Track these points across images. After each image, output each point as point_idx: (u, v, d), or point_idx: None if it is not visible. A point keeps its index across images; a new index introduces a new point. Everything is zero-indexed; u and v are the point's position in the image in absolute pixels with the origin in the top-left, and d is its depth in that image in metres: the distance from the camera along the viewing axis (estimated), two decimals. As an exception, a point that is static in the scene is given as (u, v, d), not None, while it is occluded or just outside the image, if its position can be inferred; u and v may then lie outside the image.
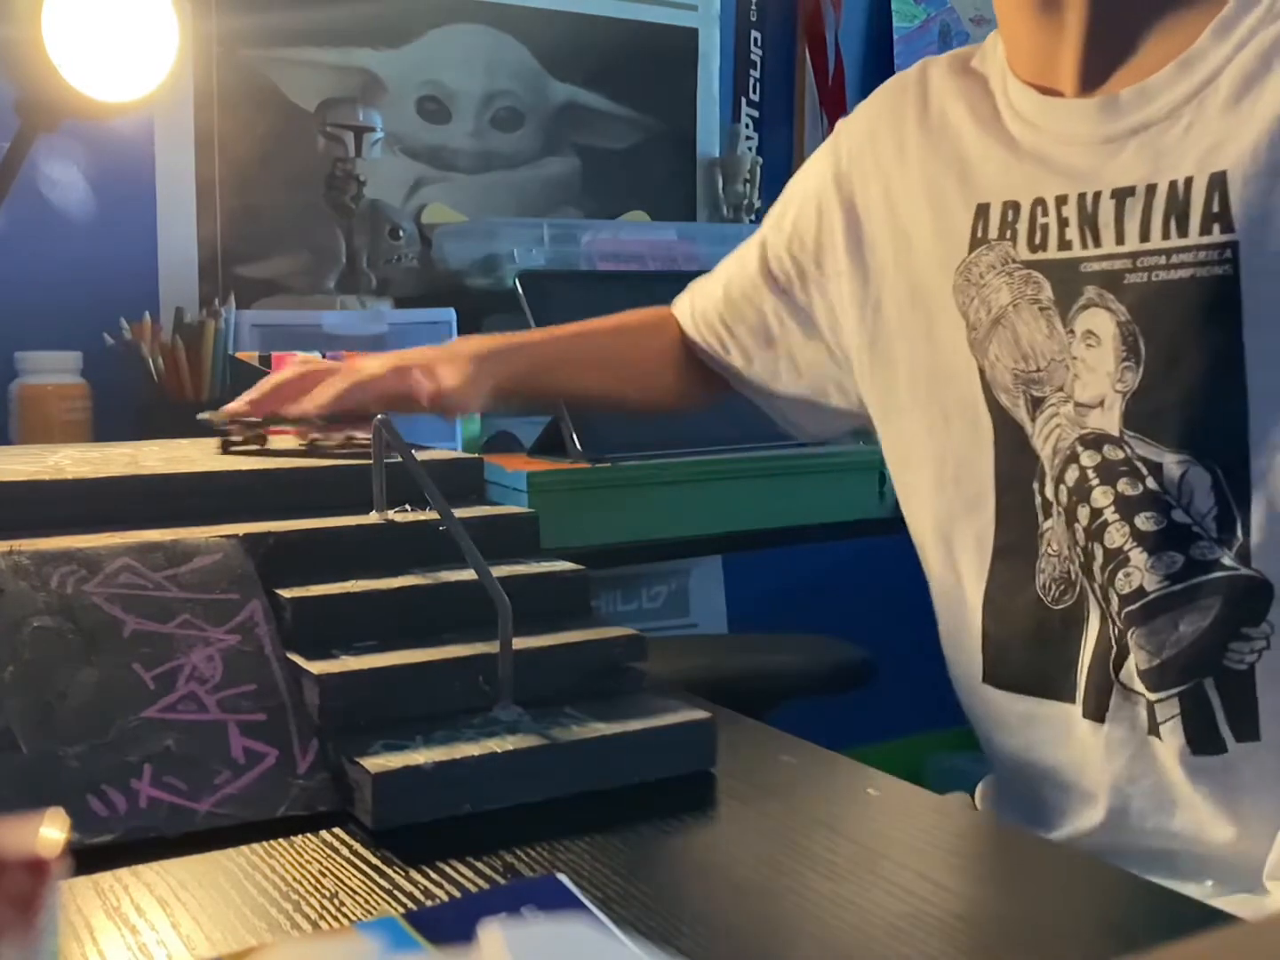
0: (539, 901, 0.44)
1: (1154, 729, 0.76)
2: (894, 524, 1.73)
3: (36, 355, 1.57)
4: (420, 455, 0.70)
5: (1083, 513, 0.78)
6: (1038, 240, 0.80)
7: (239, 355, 1.54)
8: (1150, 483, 0.75)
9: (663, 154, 2.28)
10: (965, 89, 0.88)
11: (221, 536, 0.63)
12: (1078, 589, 0.80)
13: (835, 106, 2.43)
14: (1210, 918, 0.47)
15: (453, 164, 2.09)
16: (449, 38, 2.07)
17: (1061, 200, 0.79)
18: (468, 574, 0.64)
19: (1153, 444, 0.75)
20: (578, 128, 2.19)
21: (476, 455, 0.82)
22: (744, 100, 2.39)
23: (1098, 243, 0.77)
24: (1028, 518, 0.82)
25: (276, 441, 0.83)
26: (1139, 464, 0.76)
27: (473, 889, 0.48)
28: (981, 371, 0.83)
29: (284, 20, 1.93)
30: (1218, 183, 0.72)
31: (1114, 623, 0.78)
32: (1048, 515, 0.81)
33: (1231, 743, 0.74)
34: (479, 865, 0.50)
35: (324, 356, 1.53)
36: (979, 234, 0.83)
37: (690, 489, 1.53)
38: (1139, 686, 0.77)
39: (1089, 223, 0.78)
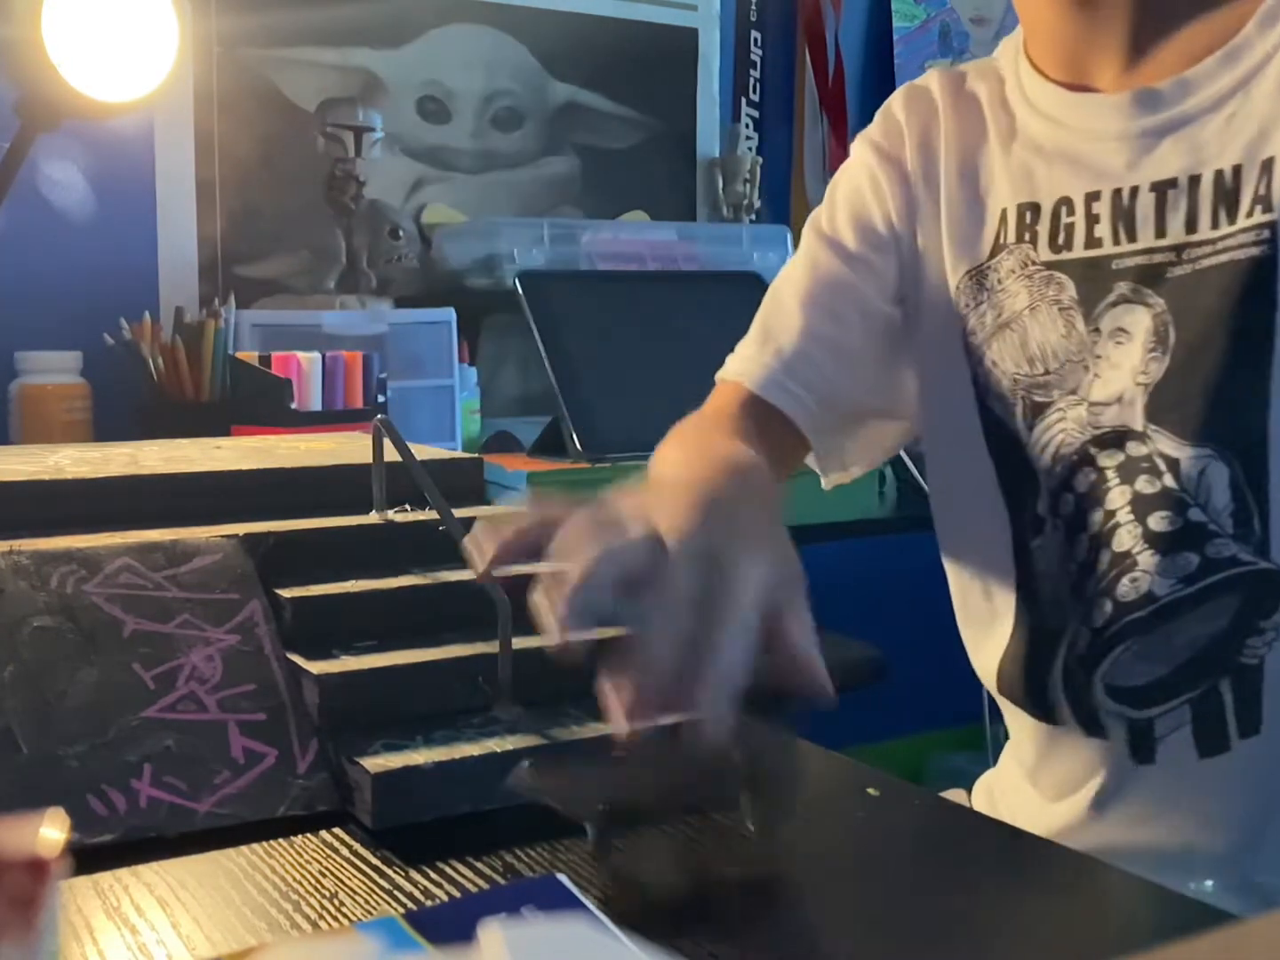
0: (539, 901, 0.44)
1: (1149, 742, 0.75)
2: (894, 524, 1.74)
3: (36, 355, 1.58)
4: (420, 455, 0.70)
5: (1094, 518, 0.76)
6: (1061, 240, 0.79)
7: (239, 355, 1.54)
8: (1168, 479, 0.73)
9: (663, 154, 2.28)
10: (987, 94, 0.86)
11: (221, 536, 0.63)
12: (1063, 609, 0.78)
13: (835, 106, 2.43)
14: (1210, 918, 0.47)
15: (453, 164, 2.09)
16: (449, 38, 2.07)
17: (1093, 197, 0.78)
18: (467, 574, 0.64)
19: (1174, 437, 0.73)
20: (578, 128, 2.19)
21: (476, 455, 0.81)
22: (744, 100, 2.39)
23: (1132, 238, 0.76)
24: (1019, 534, 0.80)
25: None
26: (1159, 460, 0.74)
27: (473, 889, 0.48)
28: (975, 380, 0.82)
29: (284, 20, 1.93)
30: (1267, 168, 0.71)
31: (1097, 638, 0.76)
32: (1037, 533, 0.79)
33: (1235, 740, 0.73)
34: (479, 865, 0.50)
35: (324, 357, 1.53)
36: (1000, 239, 0.82)
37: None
38: (1129, 704, 0.75)
39: (1124, 219, 0.76)
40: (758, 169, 2.30)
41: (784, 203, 2.44)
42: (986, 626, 0.85)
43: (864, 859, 0.54)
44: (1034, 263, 0.80)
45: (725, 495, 0.58)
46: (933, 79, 0.90)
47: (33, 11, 0.93)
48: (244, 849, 0.52)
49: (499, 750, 0.56)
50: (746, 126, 2.39)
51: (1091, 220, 0.78)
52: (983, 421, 0.82)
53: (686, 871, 0.52)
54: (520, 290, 1.63)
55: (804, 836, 0.54)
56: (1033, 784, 0.85)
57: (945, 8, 2.57)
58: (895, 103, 0.91)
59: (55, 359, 1.58)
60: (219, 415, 1.50)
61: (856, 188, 0.90)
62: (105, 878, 0.49)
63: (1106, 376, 0.76)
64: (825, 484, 0.93)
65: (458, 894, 0.48)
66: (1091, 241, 0.78)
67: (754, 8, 2.38)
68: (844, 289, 0.87)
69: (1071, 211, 0.79)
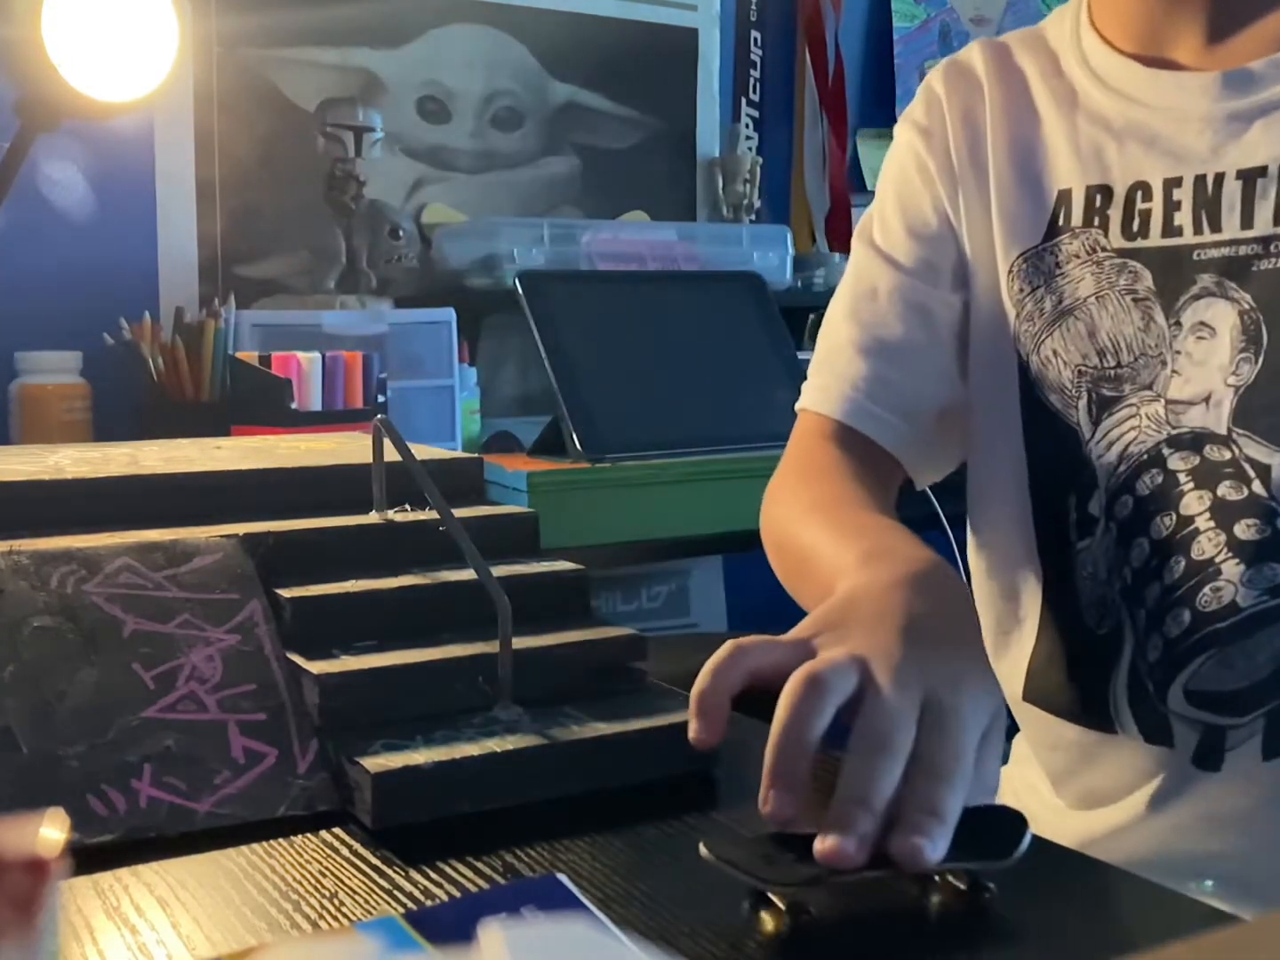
0: (539, 901, 0.44)
1: (1218, 751, 0.72)
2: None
3: (36, 355, 1.58)
4: (420, 455, 0.70)
5: (1161, 524, 0.72)
6: (1135, 227, 0.74)
7: (239, 355, 1.54)
8: (1257, 486, 0.70)
9: (663, 154, 2.28)
10: (1037, 67, 0.82)
11: (221, 536, 0.63)
12: (1116, 615, 0.75)
13: (835, 106, 2.43)
14: (1210, 918, 0.47)
15: (453, 164, 2.09)
16: (449, 38, 2.07)
17: (1173, 183, 0.73)
18: (468, 574, 0.64)
19: (1264, 443, 0.70)
20: (578, 128, 2.19)
21: (476, 455, 0.81)
22: (744, 100, 2.39)
23: (1216, 228, 0.72)
24: (1062, 537, 0.77)
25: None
26: (1246, 465, 0.70)
27: (473, 889, 0.48)
28: (1024, 371, 0.78)
29: (284, 20, 1.93)
30: None
31: (1174, 647, 0.72)
32: (1086, 533, 0.75)
33: None
34: (479, 865, 0.50)
35: (324, 357, 1.53)
36: (1060, 221, 0.77)
37: (690, 489, 1.53)
38: (1210, 710, 0.72)
39: (1206, 207, 0.72)
40: (758, 169, 2.30)
41: (784, 203, 2.44)
42: (1006, 631, 0.82)
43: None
44: (1104, 249, 0.76)
45: (925, 616, 0.55)
46: (975, 52, 0.85)
47: (33, 11, 0.93)
48: (244, 849, 0.51)
49: (499, 750, 0.56)
50: (746, 126, 2.39)
51: (1171, 207, 0.73)
52: (1024, 413, 0.79)
53: (686, 871, 0.52)
54: (520, 290, 1.63)
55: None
56: (1056, 792, 0.82)
57: (945, 8, 2.57)
58: (935, 79, 0.86)
59: (55, 359, 1.58)
60: (219, 415, 1.50)
61: (905, 178, 0.86)
62: (105, 878, 0.49)
63: (1188, 374, 0.72)
64: (918, 485, 0.88)
65: (458, 894, 0.48)
66: (1170, 230, 0.73)
67: (754, 8, 2.38)
68: (903, 296, 0.84)
69: (1149, 197, 0.74)
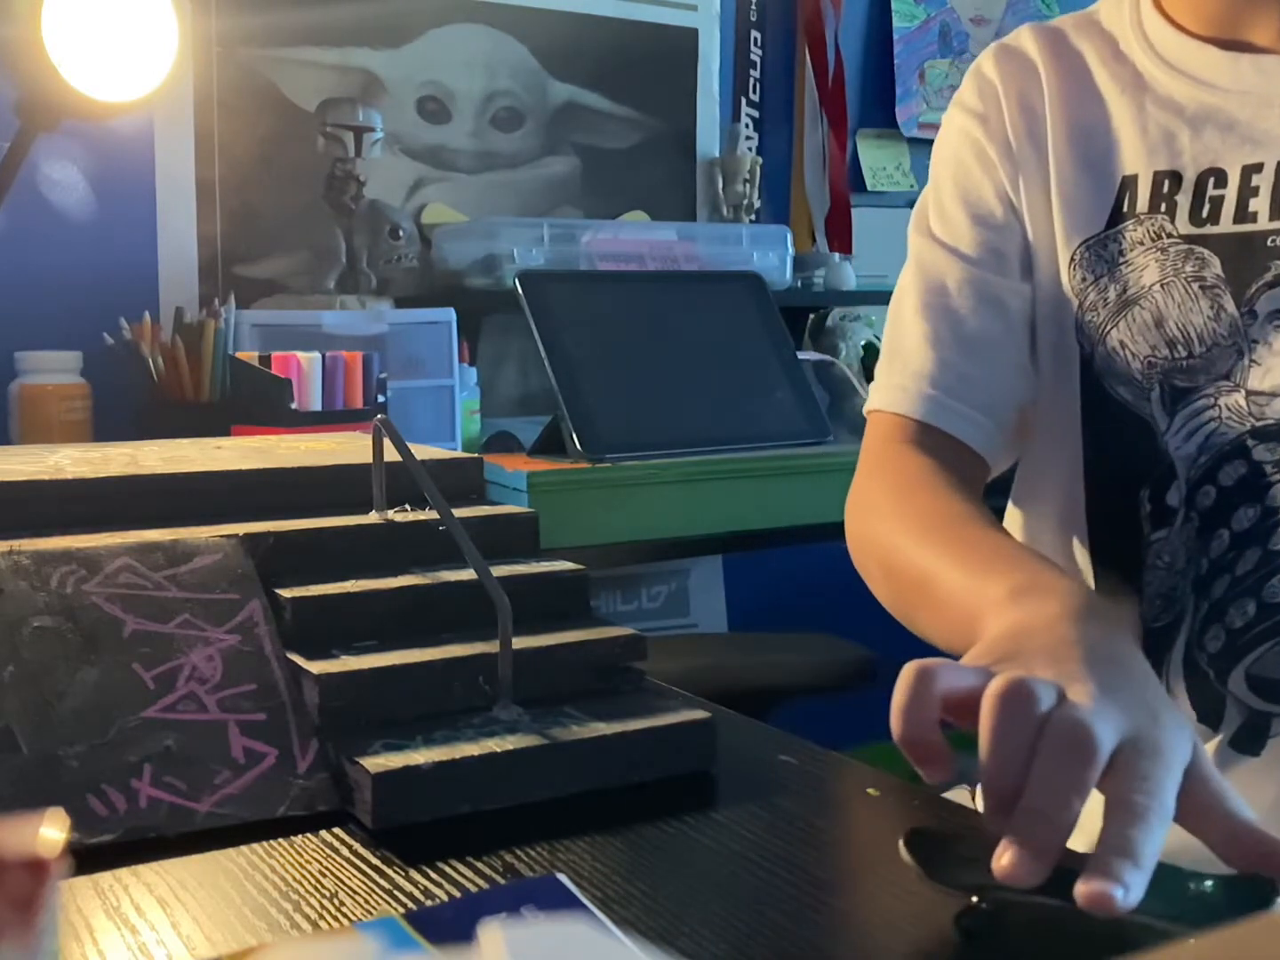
0: (539, 901, 0.44)
1: (1261, 735, 0.71)
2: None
3: (36, 355, 1.58)
4: (420, 455, 0.70)
5: (1244, 515, 0.71)
6: (1205, 213, 0.73)
7: (239, 355, 1.54)
8: None
9: (663, 154, 2.28)
10: (1095, 51, 0.79)
11: (221, 536, 0.63)
12: (1178, 606, 0.74)
13: (835, 106, 2.43)
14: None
15: (453, 164, 2.09)
16: (449, 38, 2.07)
17: (1252, 170, 0.71)
18: (467, 574, 0.64)
19: None
20: (578, 128, 2.19)
21: (476, 455, 0.81)
22: (744, 100, 2.39)
23: None
24: (1130, 529, 0.75)
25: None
26: None
27: (473, 889, 0.48)
28: (1085, 361, 0.76)
29: (284, 20, 1.93)
30: None
31: (1237, 637, 0.71)
32: (1161, 524, 0.74)
33: None
34: (479, 865, 0.50)
35: (324, 357, 1.53)
36: (1124, 208, 0.76)
37: (690, 489, 1.53)
38: (1257, 698, 0.71)
39: None
40: (758, 169, 2.30)
41: (784, 203, 2.44)
42: None
43: (864, 859, 0.54)
44: (1169, 235, 0.74)
45: (1103, 649, 0.52)
46: (1025, 37, 0.83)
47: (33, 11, 0.93)
48: (244, 849, 0.52)
49: (499, 750, 0.56)
50: (746, 126, 2.39)
51: (1248, 193, 0.72)
52: (1085, 406, 0.77)
53: (686, 871, 0.52)
54: (520, 290, 1.63)
55: (804, 836, 0.54)
56: None
57: (945, 8, 2.57)
58: (985, 63, 0.84)
59: (55, 359, 1.58)
60: (219, 415, 1.50)
61: (961, 164, 0.83)
62: (105, 878, 0.49)
63: (1269, 364, 0.71)
64: (993, 473, 0.84)
65: (458, 894, 0.48)
66: (1244, 216, 0.72)
67: (754, 8, 2.38)
68: (975, 288, 0.81)
69: (1222, 183, 0.73)
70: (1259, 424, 0.71)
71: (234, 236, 1.91)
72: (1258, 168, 0.71)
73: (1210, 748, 0.73)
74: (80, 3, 0.96)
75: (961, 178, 0.83)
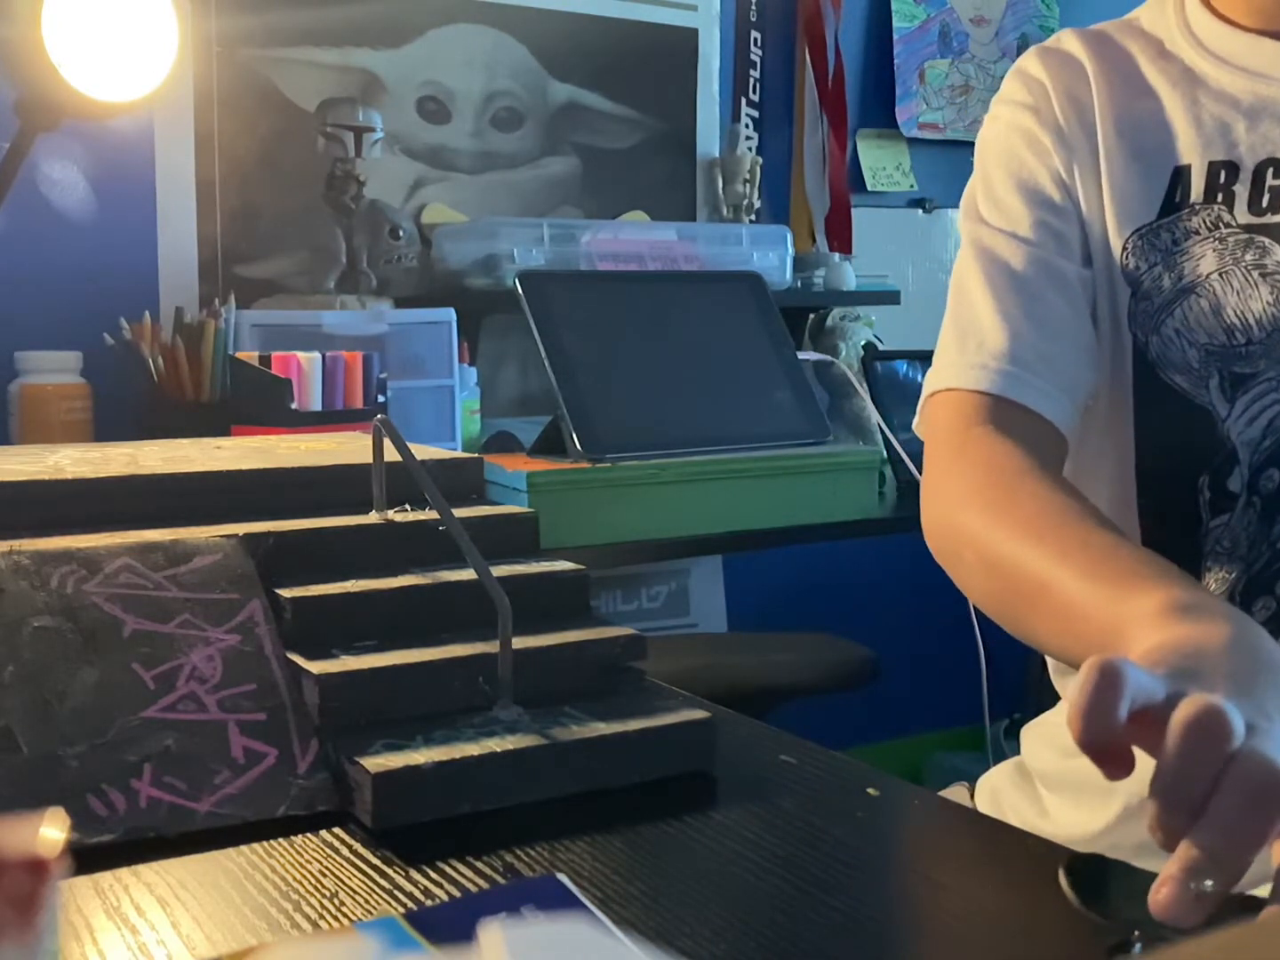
0: (539, 901, 0.44)
1: None
2: (893, 524, 1.74)
3: (36, 355, 1.58)
4: (420, 455, 0.70)
5: None
6: (1265, 203, 0.73)
7: (239, 355, 1.54)
8: None
9: (663, 154, 2.28)
10: (1141, 50, 0.80)
11: (221, 536, 0.63)
12: (1238, 591, 0.73)
13: (835, 106, 2.43)
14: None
15: (453, 164, 2.09)
16: (449, 38, 2.07)
17: None
18: (467, 574, 0.64)
19: None
20: (578, 128, 2.19)
21: (476, 455, 0.81)
22: (744, 100, 2.39)
23: None
24: (1186, 517, 0.75)
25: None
26: None
27: (473, 889, 0.48)
28: (1139, 350, 0.76)
29: (284, 20, 1.93)
30: None
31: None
32: (1221, 511, 0.74)
33: None
34: (479, 865, 0.50)
35: (324, 357, 1.53)
36: (1177, 198, 0.76)
37: (690, 489, 1.54)
38: None
39: None
40: (757, 169, 2.30)
41: (784, 203, 2.44)
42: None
43: (864, 859, 0.54)
44: (1228, 224, 0.74)
45: (1262, 658, 0.51)
46: (1067, 39, 0.83)
47: (33, 11, 0.93)
48: (244, 849, 0.52)
49: (499, 750, 0.56)
50: (746, 126, 2.39)
51: None
52: (1138, 395, 0.77)
53: (686, 871, 0.52)
54: (520, 290, 1.63)
55: (804, 836, 0.54)
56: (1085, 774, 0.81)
57: (945, 8, 2.57)
58: (1028, 62, 0.84)
59: (55, 359, 1.58)
60: (219, 415, 1.50)
61: (1013, 153, 0.82)
62: (105, 878, 0.49)
63: None
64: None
65: (458, 894, 0.48)
66: None
67: (754, 8, 2.38)
68: (1043, 268, 0.79)
69: None
70: None
71: (234, 236, 1.91)
72: None
73: None
74: (80, 3, 0.96)
75: (1015, 166, 0.82)
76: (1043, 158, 0.81)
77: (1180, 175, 0.76)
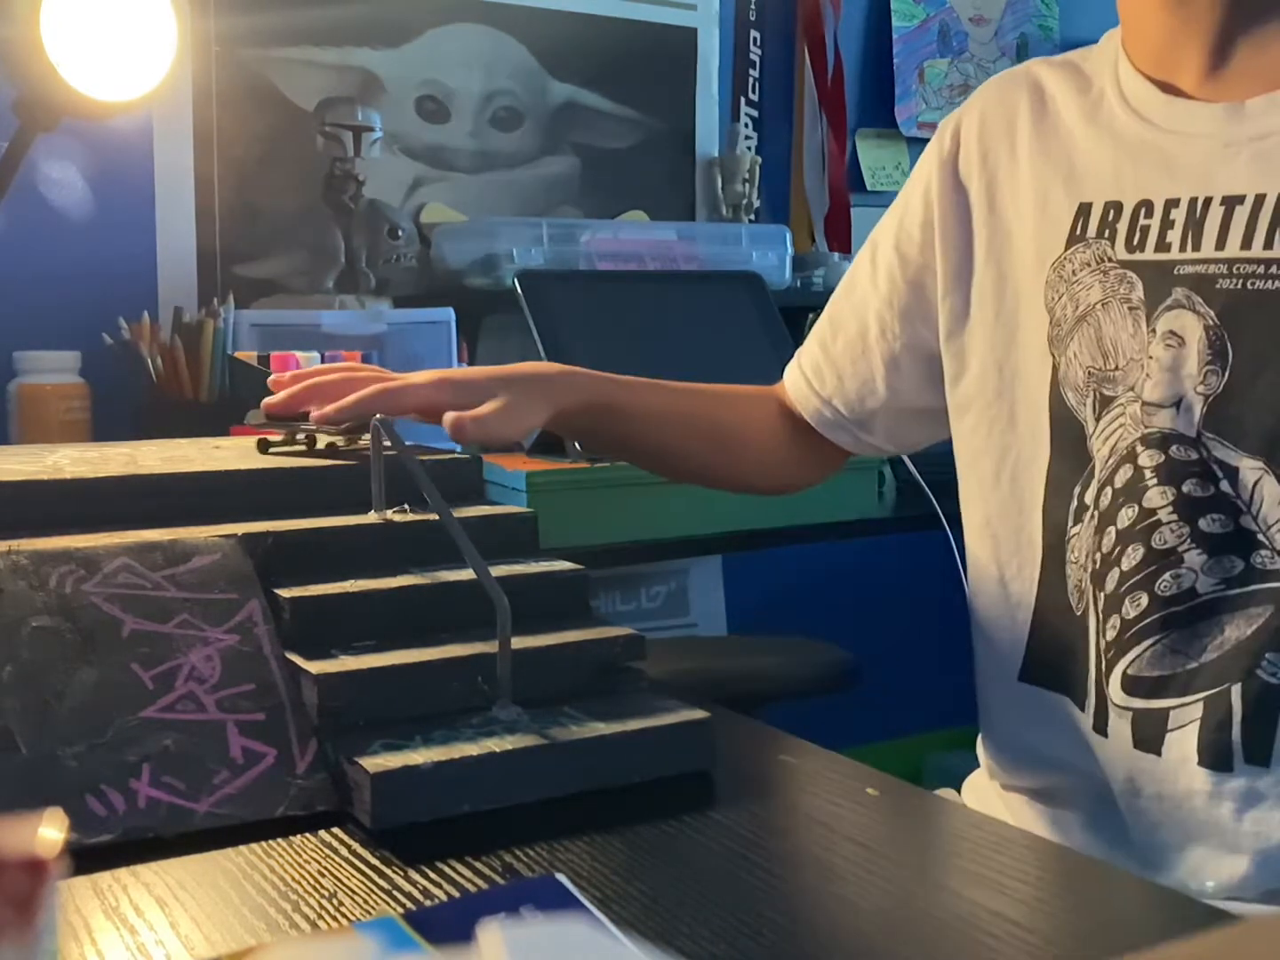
0: (538, 901, 0.44)
1: (1158, 739, 0.76)
2: (893, 524, 1.74)
3: (36, 355, 1.57)
4: (420, 455, 0.70)
5: (1125, 515, 0.78)
6: (1135, 241, 0.80)
7: (238, 355, 1.53)
8: (1224, 485, 0.75)
9: (662, 154, 2.28)
10: (1078, 89, 0.87)
11: (220, 536, 0.63)
12: (1085, 599, 0.80)
13: (835, 106, 2.43)
14: (1210, 918, 0.47)
15: (452, 164, 2.09)
16: (449, 38, 2.07)
17: (1172, 204, 0.79)
18: (467, 574, 0.64)
19: (1231, 448, 0.75)
20: (577, 128, 2.19)
21: (476, 455, 0.81)
22: (743, 100, 2.39)
23: (1196, 246, 0.77)
24: (1060, 522, 0.82)
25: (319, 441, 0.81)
26: (1214, 466, 0.75)
27: (472, 889, 0.48)
28: (1055, 369, 0.83)
29: (283, 20, 1.93)
30: None
31: (1129, 628, 0.77)
32: (1078, 521, 0.81)
33: (1240, 762, 0.73)
34: (478, 865, 0.50)
35: (323, 357, 1.53)
36: (1078, 231, 0.83)
37: (690, 489, 1.53)
38: (1145, 696, 0.76)
39: (1194, 226, 0.77)
40: (757, 169, 2.30)
41: (783, 203, 2.44)
42: (1001, 614, 0.86)
43: (863, 859, 0.54)
44: (1109, 259, 0.81)
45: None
46: (1026, 71, 0.91)
47: (32, 11, 0.93)
48: (243, 849, 0.51)
49: (498, 750, 0.56)
50: (746, 126, 2.39)
51: (1166, 225, 0.79)
52: (1051, 411, 0.83)
53: (686, 871, 0.52)
54: (520, 290, 1.63)
55: (803, 836, 0.54)
56: (1047, 782, 0.84)
57: (945, 8, 2.57)
58: (983, 91, 0.94)
59: (54, 359, 1.58)
60: (218, 415, 1.50)
61: (911, 207, 0.95)
62: (104, 878, 0.49)
63: (1158, 378, 0.77)
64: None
65: (457, 894, 0.48)
66: (1162, 245, 0.79)
67: (754, 8, 2.38)
68: (856, 296, 1.02)
69: (1150, 214, 0.80)
70: (1147, 431, 0.78)
71: (233, 236, 1.91)
72: (1176, 202, 0.79)
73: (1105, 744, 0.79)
74: (79, 3, 0.96)
75: (908, 205, 0.95)
76: (924, 231, 0.93)
77: (1083, 211, 0.84)
